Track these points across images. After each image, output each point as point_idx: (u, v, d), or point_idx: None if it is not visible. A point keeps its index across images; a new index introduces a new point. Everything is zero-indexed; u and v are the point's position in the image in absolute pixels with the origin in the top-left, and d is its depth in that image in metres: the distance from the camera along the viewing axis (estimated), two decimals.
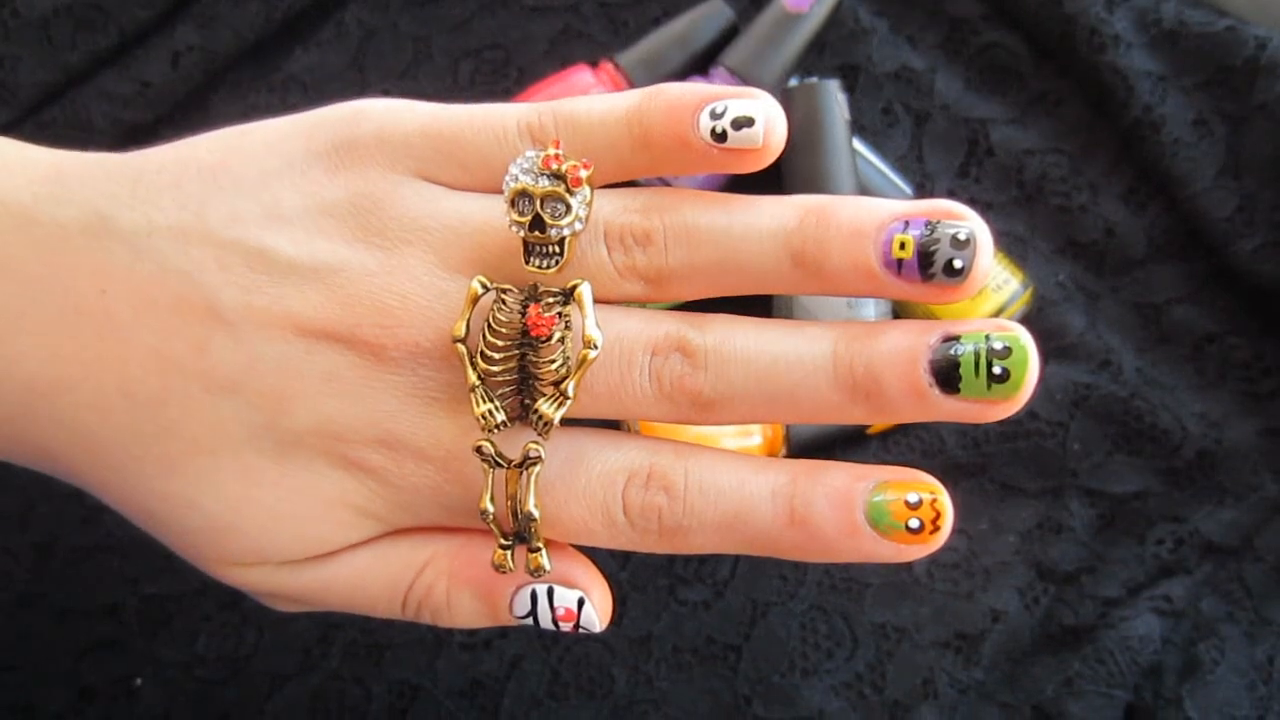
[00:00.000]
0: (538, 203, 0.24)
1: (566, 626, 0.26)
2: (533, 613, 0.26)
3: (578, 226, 0.24)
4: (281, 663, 0.38)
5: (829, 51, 0.43)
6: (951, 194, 0.42)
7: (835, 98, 0.39)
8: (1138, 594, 0.38)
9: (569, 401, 0.24)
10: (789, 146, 0.40)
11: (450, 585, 0.27)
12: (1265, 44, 0.40)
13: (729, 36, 0.42)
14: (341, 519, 0.26)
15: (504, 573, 0.25)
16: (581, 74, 0.41)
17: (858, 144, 0.41)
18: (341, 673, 0.38)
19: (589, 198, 0.24)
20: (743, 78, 0.40)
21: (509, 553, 0.25)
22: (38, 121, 0.41)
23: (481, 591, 0.27)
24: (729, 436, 0.37)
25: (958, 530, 0.39)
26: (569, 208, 0.24)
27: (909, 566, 0.39)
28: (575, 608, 0.26)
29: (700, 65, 0.42)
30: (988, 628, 0.38)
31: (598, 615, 0.26)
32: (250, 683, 0.38)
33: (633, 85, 0.41)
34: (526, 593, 0.26)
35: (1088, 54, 0.41)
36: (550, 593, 0.26)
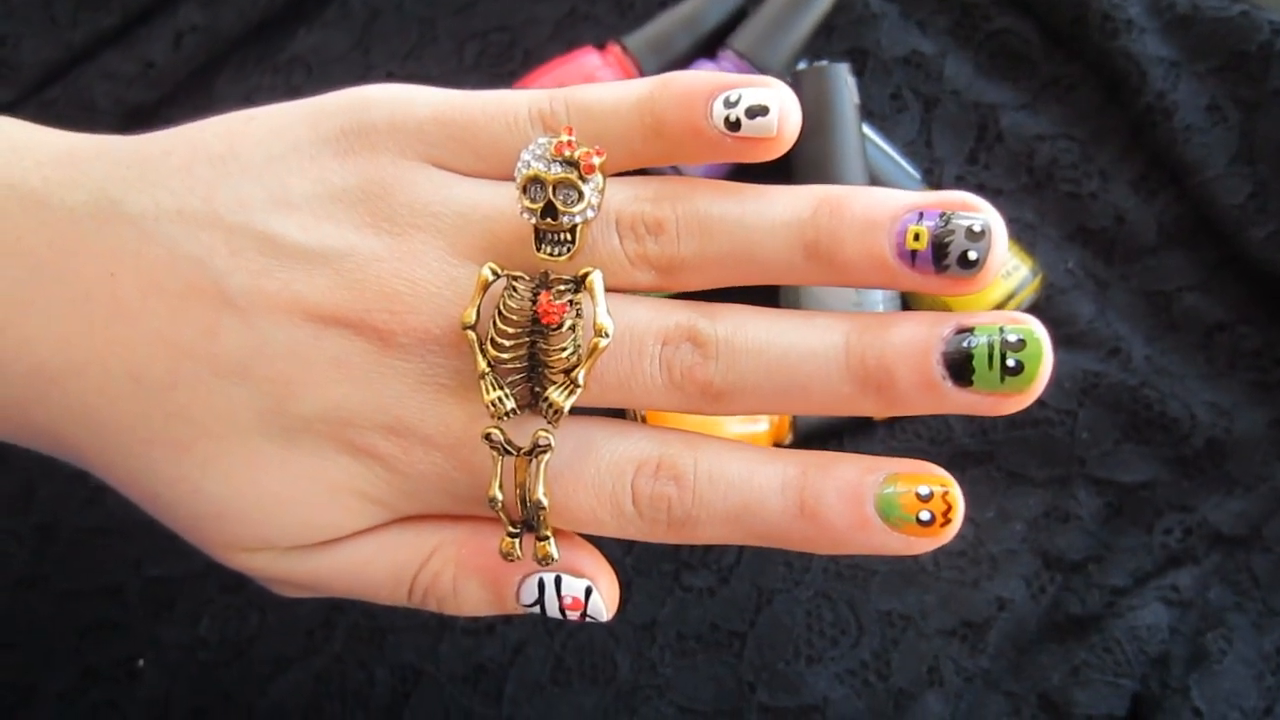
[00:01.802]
0: (550, 189, 0.23)
1: (573, 615, 0.26)
2: (540, 601, 0.26)
3: (589, 214, 0.24)
4: (284, 645, 0.38)
5: (838, 35, 0.43)
6: (960, 180, 0.42)
7: (845, 81, 0.39)
8: (1145, 583, 0.38)
9: (579, 390, 0.24)
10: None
11: (457, 573, 0.27)
12: None
13: (737, 19, 0.41)
14: (348, 505, 0.26)
15: (511, 561, 0.25)
16: (588, 57, 0.41)
17: (866, 129, 0.40)
18: (344, 656, 0.38)
19: (601, 185, 0.24)
20: (751, 61, 0.40)
21: (517, 541, 0.25)
22: (40, 101, 0.41)
23: (488, 580, 0.27)
24: (735, 422, 0.37)
25: (964, 518, 0.39)
26: (581, 195, 0.24)
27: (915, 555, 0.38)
28: (582, 597, 0.26)
29: (708, 48, 0.41)
30: (994, 616, 0.38)
31: (605, 604, 0.26)
32: (253, 665, 0.38)
33: (640, 68, 0.41)
34: (534, 581, 0.26)
35: (1100, 39, 0.41)
36: (558, 581, 0.26)
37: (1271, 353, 0.40)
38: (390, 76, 0.43)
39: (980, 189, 0.41)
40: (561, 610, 0.26)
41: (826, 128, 0.39)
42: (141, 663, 0.38)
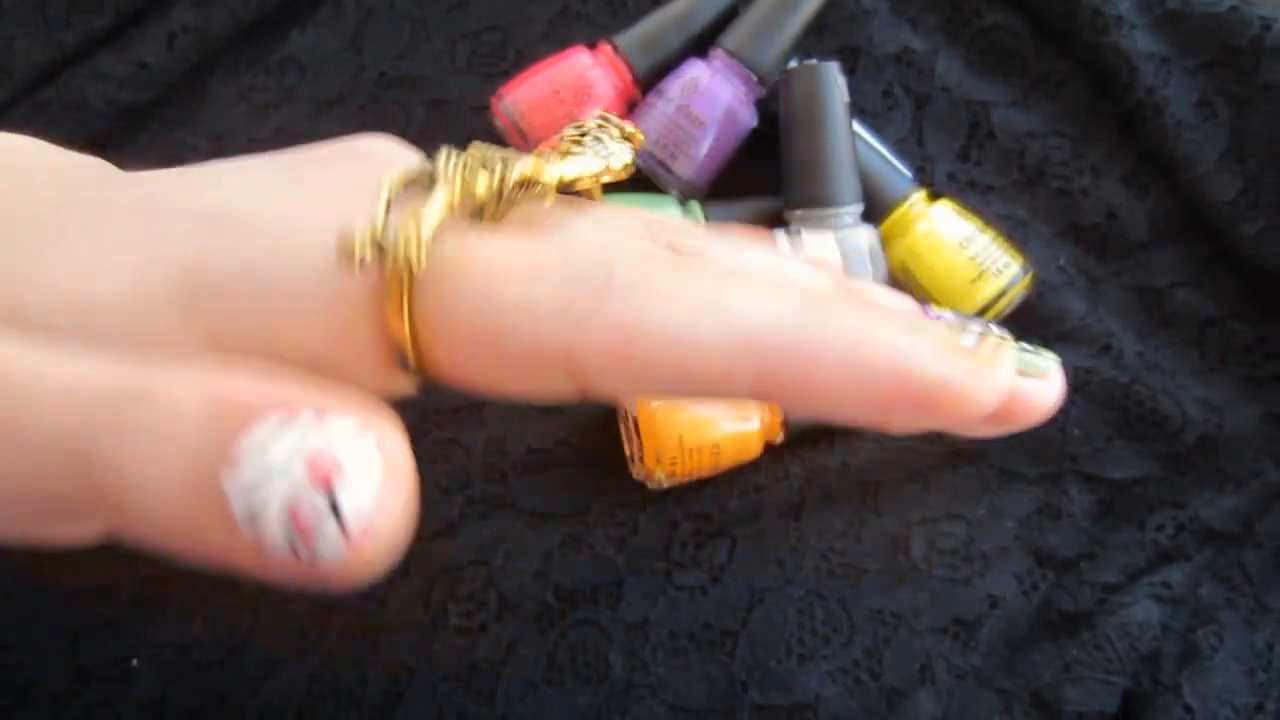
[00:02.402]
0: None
1: (316, 501, 0.16)
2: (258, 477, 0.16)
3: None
4: (277, 645, 0.38)
5: (829, 33, 0.43)
6: (952, 177, 0.42)
7: (835, 79, 0.39)
8: (1137, 580, 0.38)
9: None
10: (789, 128, 0.40)
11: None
12: (1270, 24, 0.39)
13: (728, 18, 0.41)
14: None
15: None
16: (579, 56, 0.41)
17: (858, 127, 0.40)
18: (337, 655, 0.38)
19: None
20: (742, 60, 0.40)
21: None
22: (34, 102, 0.41)
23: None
24: (726, 421, 0.37)
25: (956, 516, 0.39)
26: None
27: (907, 552, 0.38)
28: (332, 468, 0.16)
29: (699, 48, 0.41)
30: (985, 614, 0.38)
31: (375, 482, 0.16)
32: (246, 665, 0.38)
33: (630, 67, 0.41)
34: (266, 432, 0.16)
35: (1090, 36, 0.41)
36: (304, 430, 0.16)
37: (1263, 348, 0.40)
38: (382, 76, 0.43)
39: (971, 186, 0.41)
40: (292, 493, 0.16)
41: (817, 126, 0.39)
42: (135, 663, 0.38)
